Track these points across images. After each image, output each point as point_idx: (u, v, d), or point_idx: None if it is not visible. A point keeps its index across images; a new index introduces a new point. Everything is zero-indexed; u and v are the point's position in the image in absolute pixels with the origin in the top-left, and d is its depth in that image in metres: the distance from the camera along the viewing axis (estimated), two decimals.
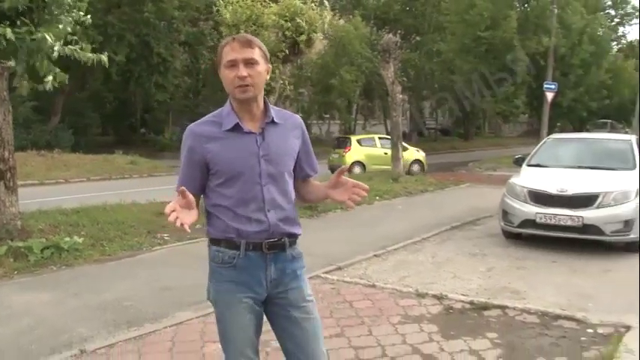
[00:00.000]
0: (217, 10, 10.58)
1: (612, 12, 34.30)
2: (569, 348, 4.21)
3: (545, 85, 23.21)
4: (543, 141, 9.56)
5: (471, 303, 5.16)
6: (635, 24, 33.61)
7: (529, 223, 7.40)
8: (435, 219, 9.74)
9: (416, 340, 4.35)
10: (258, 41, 2.31)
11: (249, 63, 2.24)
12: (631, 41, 37.66)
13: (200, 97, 31.47)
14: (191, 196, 2.13)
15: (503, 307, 5.06)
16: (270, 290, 2.34)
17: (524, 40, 24.90)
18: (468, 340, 4.34)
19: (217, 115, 2.35)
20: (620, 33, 36.59)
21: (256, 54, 2.26)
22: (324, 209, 10.37)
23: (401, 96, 16.89)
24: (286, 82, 11.03)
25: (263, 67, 2.29)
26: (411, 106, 39.78)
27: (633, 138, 8.82)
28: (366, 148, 19.90)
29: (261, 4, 10.30)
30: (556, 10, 25.14)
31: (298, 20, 10.07)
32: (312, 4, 10.29)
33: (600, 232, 7.05)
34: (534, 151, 8.98)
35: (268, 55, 2.35)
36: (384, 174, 15.61)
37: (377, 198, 12.27)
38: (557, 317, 4.83)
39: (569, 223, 7.15)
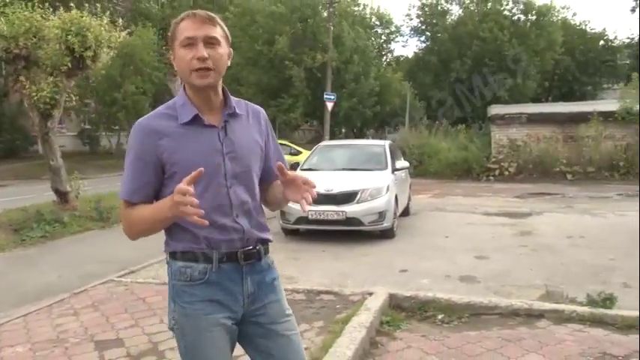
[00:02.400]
0: None
1: (379, 30, 38.40)
2: (327, 314, 5.23)
3: (325, 96, 25.37)
4: (315, 148, 10.88)
5: None
6: (398, 42, 38.21)
7: (303, 219, 8.53)
8: None
9: None
10: (219, 19, 1.97)
11: (210, 43, 1.89)
12: (397, 56, 42.57)
13: None
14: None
15: None
16: (246, 307, 2.02)
17: (300, 55, 26.97)
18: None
19: (170, 107, 1.99)
20: (388, 49, 41.10)
21: (218, 33, 1.93)
22: (115, 220, 10.62)
23: None
24: (72, 95, 11.06)
25: (225, 50, 1.95)
26: None
27: (386, 143, 10.47)
28: None
29: (42, 16, 10.24)
30: (332, 28, 27.61)
31: (85, 35, 10.15)
32: (100, 21, 10.43)
33: (360, 223, 8.44)
34: (307, 156, 10.24)
35: (230, 37, 2.03)
36: None
37: None
38: (320, 293, 5.85)
39: (335, 217, 8.42)
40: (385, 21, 38.07)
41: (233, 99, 2.04)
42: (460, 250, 7.99)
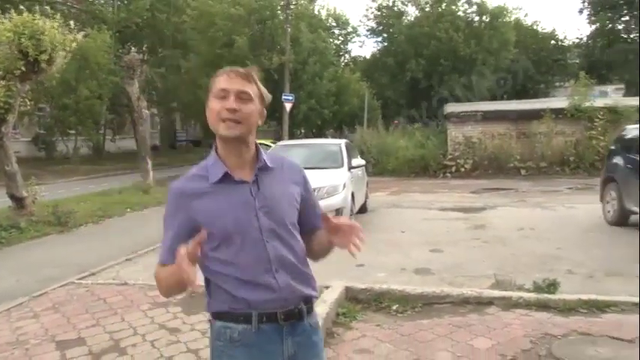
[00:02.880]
0: None
1: (337, 31, 38.68)
2: None
3: (283, 97, 25.45)
4: (272, 147, 11.01)
5: None
6: (355, 42, 38.58)
7: None
8: None
9: (163, 319, 5.17)
10: (256, 77, 2.00)
11: (242, 98, 1.91)
12: (354, 57, 43.01)
13: None
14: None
15: None
16: None
17: (258, 57, 27.03)
18: (207, 313, 5.23)
19: (202, 168, 2.00)
20: (345, 49, 41.40)
21: (252, 90, 1.95)
22: (74, 224, 10.58)
23: (147, 111, 17.36)
24: (26, 100, 10.95)
25: (257, 107, 1.96)
26: (162, 120, 40.13)
27: (343, 142, 10.67)
28: None
29: None
30: (289, 29, 27.73)
31: (40, 38, 10.05)
32: (54, 24, 10.34)
33: None
34: None
35: (267, 98, 2.05)
36: (136, 186, 15.98)
37: (128, 210, 12.72)
38: None
39: None
40: (342, 22, 38.41)
41: (269, 154, 2.05)
42: (416, 245, 8.24)
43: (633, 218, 9.08)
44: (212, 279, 1.94)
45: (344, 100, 32.22)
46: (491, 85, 36.65)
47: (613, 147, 10.21)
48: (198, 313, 5.28)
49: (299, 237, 2.03)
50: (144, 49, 34.13)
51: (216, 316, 1.99)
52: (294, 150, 10.52)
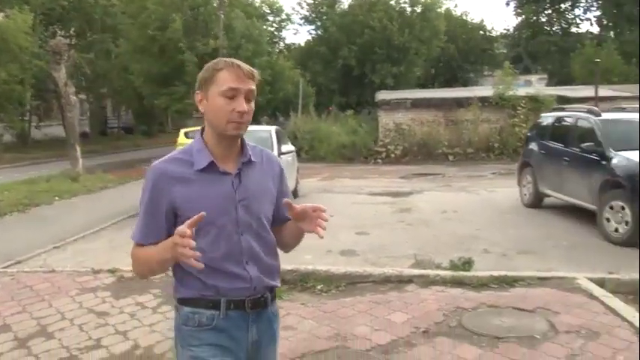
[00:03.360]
0: None
1: (271, 18, 38.64)
2: None
3: None
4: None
5: None
6: (289, 30, 38.65)
7: None
8: (115, 211, 10.51)
9: (91, 304, 5.22)
10: (257, 74, 2.00)
11: (249, 98, 1.94)
12: (288, 44, 43.13)
13: None
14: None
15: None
16: (249, 354, 2.04)
17: (192, 42, 26.71)
18: (135, 297, 5.37)
19: (186, 152, 1.99)
20: (280, 37, 41.41)
21: (255, 88, 1.97)
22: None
23: (74, 97, 16.94)
24: None
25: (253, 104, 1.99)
26: (91, 106, 39.04)
27: (273, 129, 10.81)
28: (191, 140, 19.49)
29: None
30: (222, 15, 27.47)
31: None
32: None
33: None
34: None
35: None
36: (64, 174, 15.62)
37: (56, 198, 12.47)
38: None
39: None
40: (275, 9, 38.38)
41: (249, 145, 2.05)
42: (343, 228, 8.50)
43: (547, 200, 9.67)
44: (183, 266, 1.90)
45: (278, 87, 32.23)
46: (422, 74, 37.54)
47: (529, 134, 10.81)
48: (127, 297, 5.37)
49: (270, 231, 2.08)
50: (71, 32, 33.07)
51: (185, 302, 2.00)
52: None
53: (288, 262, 6.39)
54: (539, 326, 4.38)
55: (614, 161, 7.52)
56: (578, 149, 8.40)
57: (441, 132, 20.40)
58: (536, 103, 19.23)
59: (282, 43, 42.34)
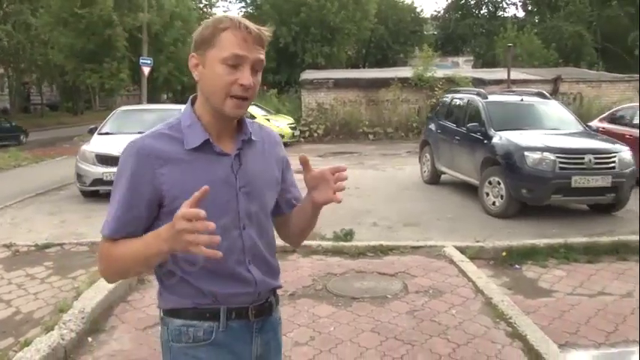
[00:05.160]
0: None
1: None
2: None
3: (141, 61, 24.96)
4: (113, 112, 11.09)
5: (36, 245, 6.36)
6: (219, 7, 38.27)
7: (99, 181, 8.89)
8: (21, 189, 10.52)
9: None
10: (267, 37, 1.60)
11: (255, 68, 1.58)
12: None
13: None
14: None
15: (62, 244, 6.40)
16: None
17: (121, 17, 26.19)
18: (27, 269, 5.59)
19: (174, 127, 1.62)
20: (210, 14, 40.92)
21: (264, 58, 1.60)
22: None
23: None
24: None
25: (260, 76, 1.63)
26: (11, 80, 37.73)
27: (185, 107, 10.94)
28: None
29: None
30: None
31: None
32: None
33: None
34: (105, 121, 10.47)
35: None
36: None
37: None
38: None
39: None
40: None
41: (249, 122, 1.72)
42: None
43: (444, 177, 10.30)
44: (172, 269, 1.60)
45: None
46: (354, 54, 38.05)
47: (429, 114, 11.43)
48: (19, 269, 5.58)
49: (272, 223, 1.79)
50: None
51: (175, 313, 1.65)
52: (134, 115, 10.64)
53: None
54: (394, 287, 4.89)
55: (494, 140, 8.15)
56: (466, 129, 9.01)
57: (362, 112, 20.96)
58: (453, 84, 20.00)
59: None
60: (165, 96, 32.68)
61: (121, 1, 27.80)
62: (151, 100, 26.05)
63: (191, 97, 1.68)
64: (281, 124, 18.37)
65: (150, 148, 1.56)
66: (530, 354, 3.73)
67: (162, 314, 1.69)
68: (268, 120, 17.89)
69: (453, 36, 46.19)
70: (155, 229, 1.50)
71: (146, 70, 24.93)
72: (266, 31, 1.58)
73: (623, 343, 4.03)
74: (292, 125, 19.22)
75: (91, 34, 26.37)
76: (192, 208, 1.34)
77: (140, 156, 1.55)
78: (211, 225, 1.33)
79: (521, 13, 47.11)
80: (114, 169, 8.78)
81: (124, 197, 1.56)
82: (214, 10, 40.99)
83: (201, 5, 38.31)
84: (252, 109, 17.95)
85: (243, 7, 39.21)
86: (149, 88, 26.57)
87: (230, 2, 41.70)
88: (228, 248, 1.55)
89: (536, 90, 10.74)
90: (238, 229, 1.62)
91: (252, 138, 1.68)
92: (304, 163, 1.65)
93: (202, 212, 1.32)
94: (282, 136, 18.23)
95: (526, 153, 7.52)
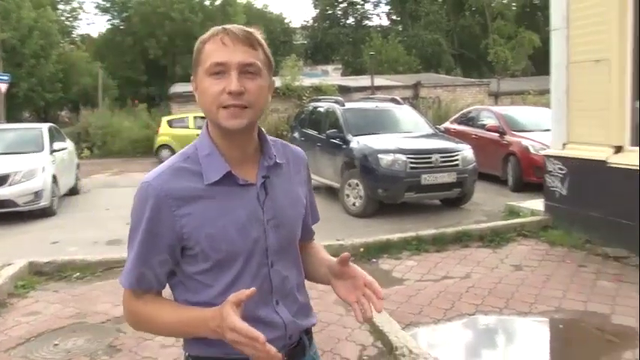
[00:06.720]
0: None
1: (62, 7, 36.68)
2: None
3: None
4: None
5: None
6: (82, 19, 36.79)
7: None
8: None
9: None
10: (260, 37, 1.45)
11: (248, 71, 1.38)
12: (82, 35, 41.19)
13: None
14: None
15: None
16: None
17: None
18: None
19: (191, 158, 1.45)
20: (73, 26, 39.35)
21: (259, 58, 1.41)
22: None
23: None
24: None
25: (266, 81, 1.44)
26: None
27: (45, 126, 10.65)
28: (177, 130, 17.95)
29: None
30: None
31: None
32: None
33: (15, 204, 8.76)
34: None
35: (273, 61, 1.50)
36: None
37: None
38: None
39: None
40: None
41: (271, 140, 1.54)
42: (115, 220, 8.77)
43: (313, 183, 10.75)
44: None
45: (73, 81, 30.90)
46: None
47: (293, 123, 11.94)
48: None
49: (299, 254, 1.61)
50: None
51: None
52: None
53: (52, 255, 6.62)
54: None
55: (352, 145, 8.74)
56: (326, 135, 9.55)
57: None
58: (320, 93, 20.75)
59: (75, 34, 40.31)
60: (27, 114, 30.92)
61: None
62: (10, 120, 24.64)
63: (206, 121, 1.48)
64: None
65: (167, 190, 1.38)
66: (375, 334, 4.20)
67: (187, 356, 1.52)
68: None
69: (322, 45, 47.60)
70: (178, 273, 1.44)
71: (3, 87, 23.59)
72: (256, 30, 1.44)
73: (457, 317, 4.62)
74: None
75: None
76: (236, 305, 1.27)
77: (159, 199, 1.38)
78: (272, 350, 1.25)
79: (385, 22, 49.54)
80: None
81: (143, 242, 1.40)
82: (76, 22, 39.36)
83: (63, 18, 36.63)
84: None
85: (109, 19, 38.16)
86: (8, 105, 25.12)
87: (96, 14, 40.11)
88: (256, 288, 1.34)
89: (390, 97, 11.55)
90: (266, 266, 1.45)
91: (277, 161, 1.50)
92: (344, 261, 1.45)
93: (262, 337, 1.23)
94: None
95: (380, 155, 8.16)
